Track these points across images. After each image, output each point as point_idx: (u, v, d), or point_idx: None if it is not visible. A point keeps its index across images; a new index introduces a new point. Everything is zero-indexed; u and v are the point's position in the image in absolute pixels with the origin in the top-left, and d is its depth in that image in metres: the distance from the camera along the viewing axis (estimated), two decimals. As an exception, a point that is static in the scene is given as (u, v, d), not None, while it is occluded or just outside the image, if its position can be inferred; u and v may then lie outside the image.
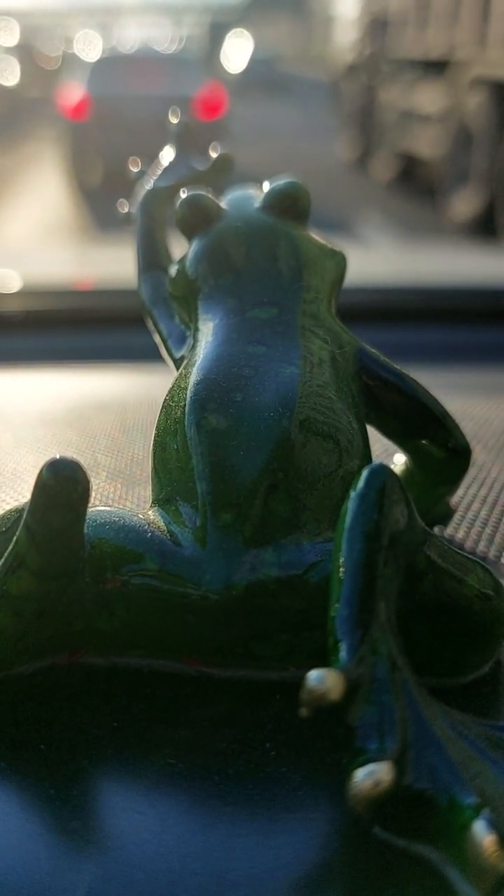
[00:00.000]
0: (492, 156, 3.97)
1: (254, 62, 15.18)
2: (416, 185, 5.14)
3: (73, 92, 6.00)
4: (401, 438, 0.35)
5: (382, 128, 5.82)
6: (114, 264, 0.90)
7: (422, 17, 4.97)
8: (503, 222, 3.82)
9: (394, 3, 5.58)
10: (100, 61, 6.30)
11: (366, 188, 5.62)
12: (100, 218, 4.59)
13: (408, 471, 0.36)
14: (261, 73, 14.71)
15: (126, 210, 0.43)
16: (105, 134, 5.59)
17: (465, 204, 4.27)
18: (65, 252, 1.50)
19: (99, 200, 5.00)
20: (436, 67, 4.72)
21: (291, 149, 6.85)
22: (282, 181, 0.36)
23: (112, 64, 6.21)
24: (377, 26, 5.93)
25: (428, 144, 4.79)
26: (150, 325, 0.38)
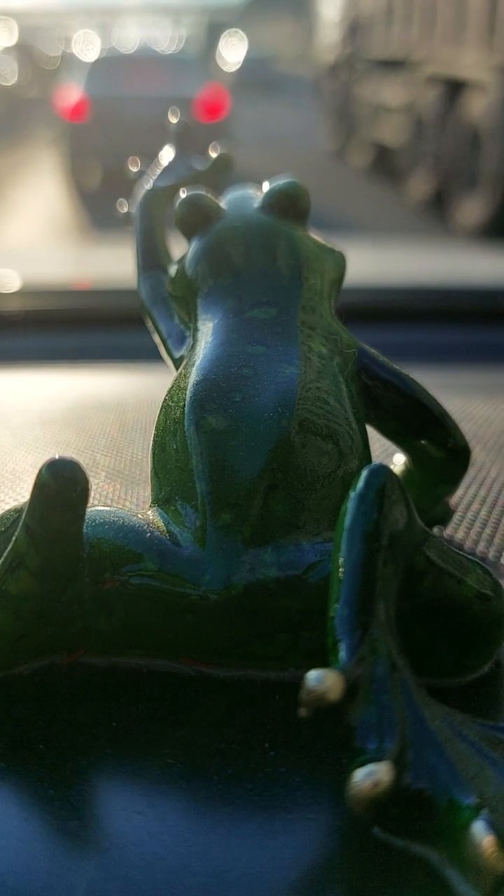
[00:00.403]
0: (439, 143, 4.73)
1: (249, 61, 15.34)
2: (387, 170, 5.91)
3: (72, 93, 5.98)
4: (400, 438, 0.35)
5: (357, 120, 6.71)
6: (113, 264, 0.90)
7: (387, 21, 5.85)
8: (450, 200, 4.57)
9: (366, 8, 6.41)
10: (98, 61, 6.25)
11: (343, 174, 6.27)
12: (98, 220, 4.59)
13: (407, 471, 0.36)
14: (256, 71, 14.88)
15: (125, 210, 0.43)
16: (104, 135, 5.56)
17: (420, 185, 5.08)
18: (64, 252, 1.50)
19: (97, 202, 5.01)
20: (399, 66, 5.56)
21: (279, 140, 7.37)
22: (281, 181, 0.36)
23: (111, 64, 6.17)
24: (354, 30, 6.75)
25: (392, 134, 5.68)
26: (149, 325, 0.38)
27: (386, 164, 6.01)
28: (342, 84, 7.12)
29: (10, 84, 10.80)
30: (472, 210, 4.24)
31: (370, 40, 6.28)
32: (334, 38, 7.42)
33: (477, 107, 4.23)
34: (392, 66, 5.69)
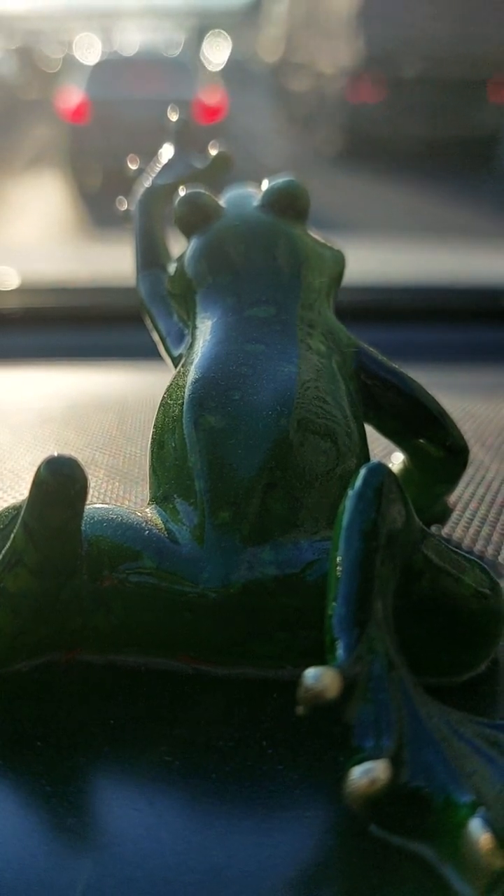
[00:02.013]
0: (318, 112, 7.43)
1: (231, 62, 16.03)
2: (302, 134, 8.34)
3: (73, 95, 5.98)
4: (399, 437, 0.35)
5: (286, 104, 9.64)
6: (112, 262, 0.90)
7: (299, 33, 8.52)
8: (323, 143, 7.06)
9: (290, 25, 9.12)
10: (99, 64, 6.25)
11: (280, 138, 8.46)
12: (99, 221, 4.59)
13: (406, 470, 0.36)
14: (237, 71, 15.58)
15: (125, 208, 0.43)
16: (104, 137, 5.56)
17: (313, 138, 7.53)
18: (63, 249, 1.50)
19: (98, 203, 5.01)
20: (302, 66, 8.22)
21: (239, 121, 8.72)
22: (281, 180, 0.36)
23: (111, 67, 6.17)
24: (284, 40, 9.49)
25: (300, 110, 8.52)
26: (148, 323, 0.38)
27: (301, 131, 8.48)
28: (278, 80, 10.04)
29: (11, 86, 10.80)
30: (330, 146, 6.79)
31: (291, 48, 9.04)
32: (275, 47, 10.23)
33: (331, 88, 6.94)
34: (299, 65, 8.40)
